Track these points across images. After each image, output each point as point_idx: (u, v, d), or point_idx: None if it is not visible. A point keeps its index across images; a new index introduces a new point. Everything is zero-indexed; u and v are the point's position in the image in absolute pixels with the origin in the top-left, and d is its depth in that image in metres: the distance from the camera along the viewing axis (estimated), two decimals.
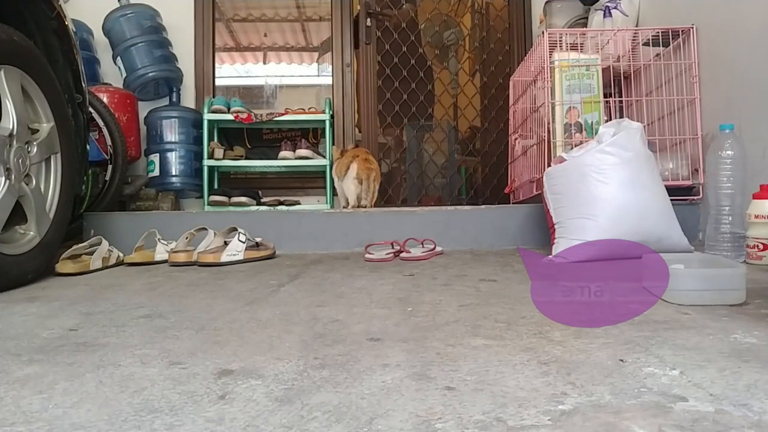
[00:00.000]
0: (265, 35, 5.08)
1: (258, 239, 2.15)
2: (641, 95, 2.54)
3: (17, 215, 1.66)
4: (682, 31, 2.38)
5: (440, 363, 0.80)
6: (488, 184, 3.92)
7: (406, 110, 3.92)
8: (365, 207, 2.92)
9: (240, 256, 2.02)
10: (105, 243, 2.04)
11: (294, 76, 5.38)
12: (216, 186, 3.89)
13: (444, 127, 4.04)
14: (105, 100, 3.18)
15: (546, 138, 2.40)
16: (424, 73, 3.95)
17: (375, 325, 1.04)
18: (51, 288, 1.60)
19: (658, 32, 2.44)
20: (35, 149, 1.73)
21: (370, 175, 3.01)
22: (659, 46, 2.49)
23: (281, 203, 3.82)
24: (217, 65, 4.29)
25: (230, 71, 4.99)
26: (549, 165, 2.20)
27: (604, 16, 2.86)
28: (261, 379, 0.75)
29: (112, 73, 3.78)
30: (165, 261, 2.07)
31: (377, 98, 3.89)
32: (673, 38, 2.42)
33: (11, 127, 1.61)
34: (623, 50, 2.60)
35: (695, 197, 2.31)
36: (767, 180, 1.72)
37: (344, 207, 3.06)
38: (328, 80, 4.30)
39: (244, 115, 3.78)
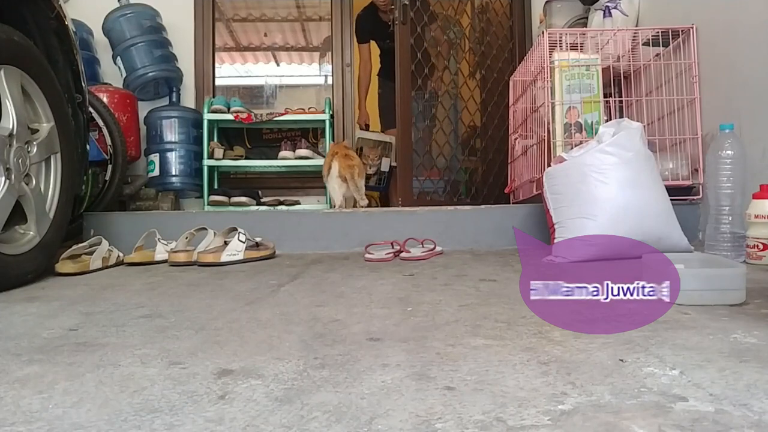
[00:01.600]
0: (265, 35, 5.08)
1: (258, 239, 2.15)
2: (641, 95, 2.54)
3: (17, 215, 1.66)
4: (681, 31, 2.38)
5: (440, 363, 0.80)
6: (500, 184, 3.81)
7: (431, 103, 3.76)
8: (364, 206, 2.90)
9: (240, 256, 2.02)
10: (105, 243, 2.04)
11: (294, 76, 5.38)
12: (216, 186, 3.89)
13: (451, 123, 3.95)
14: (105, 100, 3.18)
15: (546, 138, 2.40)
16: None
17: (375, 325, 1.04)
18: (51, 288, 1.60)
19: (658, 32, 2.44)
20: (35, 149, 1.73)
21: (353, 172, 2.89)
22: (659, 46, 2.49)
23: (281, 203, 3.83)
24: (217, 65, 4.29)
25: (230, 71, 5.00)
26: (549, 165, 2.20)
27: (604, 16, 2.86)
28: (261, 379, 0.75)
29: (112, 73, 3.79)
30: (165, 261, 2.07)
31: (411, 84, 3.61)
32: (672, 38, 2.42)
33: (11, 127, 1.61)
34: (623, 50, 2.59)
35: (695, 197, 2.31)
36: (767, 180, 1.72)
37: (332, 208, 2.99)
38: (328, 80, 4.30)
39: (244, 115, 3.78)
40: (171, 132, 3.71)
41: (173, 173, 3.70)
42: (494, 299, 1.26)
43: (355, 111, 4.32)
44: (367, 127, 4.45)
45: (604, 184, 1.83)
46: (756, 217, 1.68)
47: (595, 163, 1.87)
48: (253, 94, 4.85)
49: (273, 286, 1.51)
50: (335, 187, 2.89)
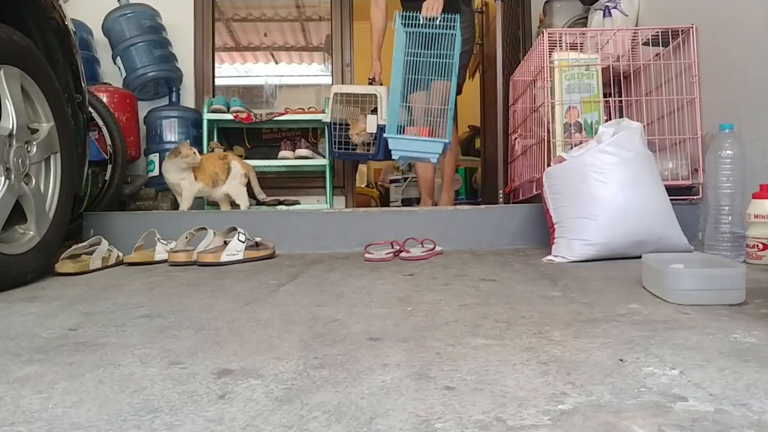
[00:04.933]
0: (265, 35, 5.08)
1: (258, 239, 2.15)
2: (641, 95, 2.54)
3: (17, 215, 1.66)
4: (681, 30, 2.38)
5: (440, 363, 0.80)
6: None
7: None
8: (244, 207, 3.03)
9: (240, 256, 2.02)
10: (105, 243, 2.04)
11: (294, 76, 5.37)
12: None
13: None
14: (105, 99, 3.17)
15: (546, 138, 2.40)
16: None
17: (375, 325, 1.04)
18: (51, 288, 1.60)
19: (657, 32, 2.44)
20: (35, 149, 1.73)
21: (249, 168, 3.15)
22: (659, 45, 2.49)
23: (281, 203, 3.82)
24: (216, 65, 4.29)
25: (230, 71, 4.98)
26: (549, 165, 2.20)
27: (604, 15, 2.86)
28: (261, 378, 0.75)
29: (112, 73, 3.78)
30: (165, 261, 2.06)
31: None
32: (672, 38, 2.42)
33: (11, 126, 1.61)
34: (623, 50, 2.59)
35: (695, 197, 2.31)
36: (767, 180, 1.72)
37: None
38: (328, 80, 4.29)
39: (244, 115, 3.78)
40: (171, 132, 3.71)
41: None
42: (494, 299, 1.26)
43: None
44: (381, 85, 3.64)
45: (604, 183, 1.83)
46: (756, 216, 1.68)
47: (595, 162, 1.87)
48: (252, 94, 4.84)
49: (273, 286, 1.51)
50: (243, 188, 3.09)
